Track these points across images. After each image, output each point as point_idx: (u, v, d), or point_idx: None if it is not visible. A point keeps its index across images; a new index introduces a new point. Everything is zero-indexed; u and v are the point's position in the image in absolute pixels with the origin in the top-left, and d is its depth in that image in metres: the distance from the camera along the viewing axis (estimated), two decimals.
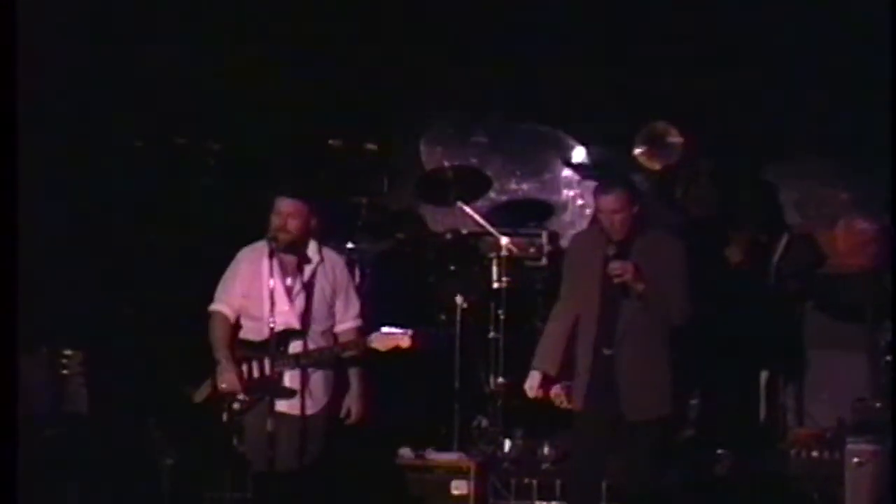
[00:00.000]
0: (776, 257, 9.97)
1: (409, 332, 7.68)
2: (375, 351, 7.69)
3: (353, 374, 7.83)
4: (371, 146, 10.12)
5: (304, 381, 7.67)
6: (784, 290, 9.94)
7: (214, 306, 7.79)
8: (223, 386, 7.61)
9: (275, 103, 10.05)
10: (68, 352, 8.46)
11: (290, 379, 7.65)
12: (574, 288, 7.74)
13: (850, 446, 8.48)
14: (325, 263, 7.78)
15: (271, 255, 7.59)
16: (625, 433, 7.52)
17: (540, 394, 7.71)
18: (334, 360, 7.73)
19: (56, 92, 8.95)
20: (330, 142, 10.04)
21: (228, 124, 9.94)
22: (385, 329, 7.68)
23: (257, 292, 7.67)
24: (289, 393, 7.62)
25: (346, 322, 7.84)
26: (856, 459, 8.43)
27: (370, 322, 7.89)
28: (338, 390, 7.79)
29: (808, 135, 10.06)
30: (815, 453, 8.76)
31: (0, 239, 6.26)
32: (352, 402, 7.82)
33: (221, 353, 7.67)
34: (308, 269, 7.73)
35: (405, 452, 8.80)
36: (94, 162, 9.50)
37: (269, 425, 7.43)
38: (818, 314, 10.00)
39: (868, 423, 8.87)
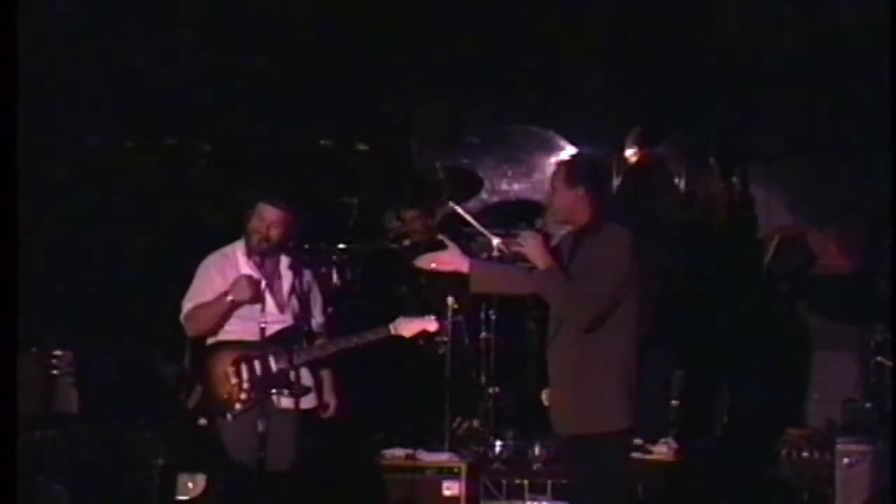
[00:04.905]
0: (767, 258, 9.99)
1: (433, 317, 7.74)
2: (400, 338, 7.71)
3: (325, 369, 7.82)
4: (362, 147, 10.13)
5: (314, 379, 7.71)
6: (775, 290, 9.96)
7: (188, 306, 7.68)
8: (248, 299, 7.49)
9: (266, 104, 10.05)
10: (58, 352, 8.46)
11: (297, 376, 7.65)
12: None
13: (840, 446, 8.50)
14: (294, 263, 7.75)
15: (249, 256, 7.63)
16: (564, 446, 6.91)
17: None
18: (349, 351, 7.72)
19: (49, 92, 8.95)
20: (321, 142, 10.05)
21: (219, 125, 9.95)
22: (405, 318, 7.72)
23: None
24: (304, 390, 7.62)
25: (316, 317, 7.83)
26: (846, 460, 8.45)
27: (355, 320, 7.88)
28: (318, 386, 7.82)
29: (801, 135, 10.07)
30: (805, 454, 8.78)
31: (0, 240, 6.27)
32: (328, 397, 7.80)
33: (220, 298, 7.54)
34: (286, 270, 7.71)
35: (396, 453, 8.80)
36: (85, 162, 9.50)
37: (260, 426, 7.42)
38: (809, 315, 10.03)
39: (858, 424, 8.90)
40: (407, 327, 7.71)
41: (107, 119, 9.59)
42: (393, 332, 7.70)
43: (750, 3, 9.76)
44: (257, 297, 7.54)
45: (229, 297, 7.57)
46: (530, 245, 6.81)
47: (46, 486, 7.59)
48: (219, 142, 9.91)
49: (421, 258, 7.54)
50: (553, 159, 10.67)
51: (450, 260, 7.22)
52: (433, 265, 7.32)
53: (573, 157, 7.83)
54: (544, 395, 7.06)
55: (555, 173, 7.03)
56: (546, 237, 6.92)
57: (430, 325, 7.74)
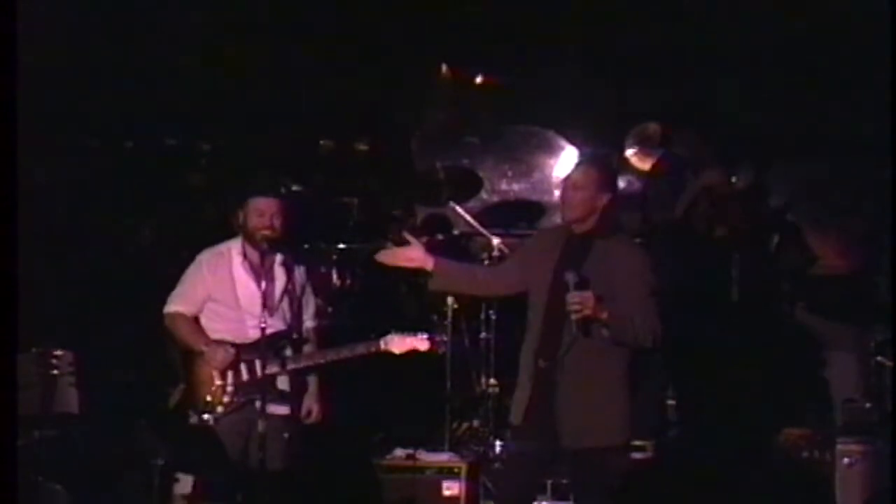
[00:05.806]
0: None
1: (426, 335, 7.68)
2: (390, 353, 7.65)
3: (311, 375, 7.80)
4: (362, 146, 10.13)
5: (300, 384, 7.69)
6: (775, 290, 9.95)
7: (172, 307, 7.70)
8: (219, 367, 7.50)
9: (266, 104, 10.05)
10: (58, 352, 8.45)
11: (281, 382, 7.62)
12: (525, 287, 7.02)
13: (840, 447, 8.49)
14: (288, 262, 7.74)
15: (255, 258, 7.61)
16: (565, 459, 6.84)
17: None
18: (338, 363, 7.69)
19: (49, 93, 8.95)
20: (321, 142, 10.05)
21: (219, 125, 9.95)
22: (397, 334, 7.66)
23: (226, 296, 7.63)
24: (288, 397, 7.60)
25: (307, 321, 7.81)
26: (846, 460, 8.43)
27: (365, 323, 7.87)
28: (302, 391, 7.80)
29: (801, 136, 10.07)
30: (805, 453, 8.77)
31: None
32: (311, 403, 7.78)
33: (200, 340, 7.58)
34: (279, 270, 7.70)
35: (396, 453, 8.80)
36: (85, 161, 9.50)
37: (261, 426, 7.40)
38: (809, 315, 10.02)
39: (858, 424, 8.89)
40: (398, 344, 7.63)
41: (107, 119, 9.58)
42: (383, 347, 7.63)
43: (746, 3, 9.76)
44: (228, 366, 7.53)
45: (202, 348, 7.57)
46: (586, 304, 6.57)
47: (46, 486, 7.58)
48: (219, 142, 9.90)
49: (382, 253, 7.46)
50: (553, 159, 10.70)
51: (413, 256, 7.15)
52: (392, 260, 7.26)
53: (603, 160, 7.65)
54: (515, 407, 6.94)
55: (583, 172, 6.88)
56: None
57: (422, 343, 7.65)
